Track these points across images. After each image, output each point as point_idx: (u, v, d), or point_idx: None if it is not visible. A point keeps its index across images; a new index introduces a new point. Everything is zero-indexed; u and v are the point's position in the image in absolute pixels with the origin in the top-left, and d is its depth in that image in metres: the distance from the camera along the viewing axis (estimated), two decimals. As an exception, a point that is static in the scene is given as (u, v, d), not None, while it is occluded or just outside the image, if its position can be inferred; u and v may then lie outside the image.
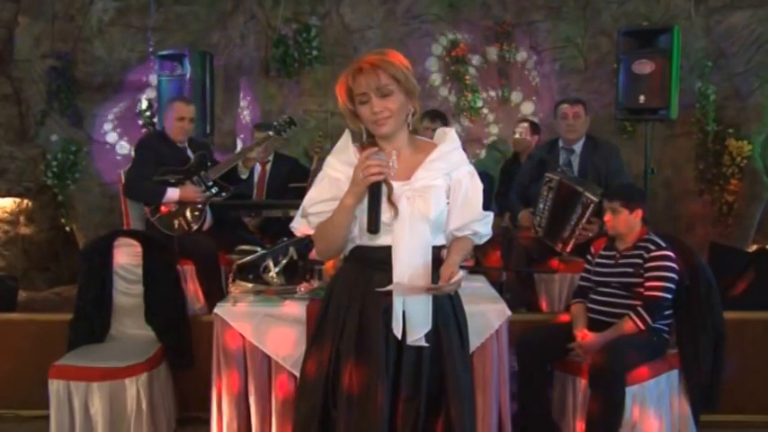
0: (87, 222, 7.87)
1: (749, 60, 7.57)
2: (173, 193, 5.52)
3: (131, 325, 4.93)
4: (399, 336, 2.66)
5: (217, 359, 4.05)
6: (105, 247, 4.97)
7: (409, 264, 2.64)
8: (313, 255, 4.43)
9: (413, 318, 2.67)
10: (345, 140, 2.82)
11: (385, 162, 2.61)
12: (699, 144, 7.57)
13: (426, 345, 2.68)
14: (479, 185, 2.85)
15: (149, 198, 5.57)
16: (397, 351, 2.70)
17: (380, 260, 2.68)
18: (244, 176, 5.91)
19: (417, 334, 2.66)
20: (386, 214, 2.65)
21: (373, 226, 2.60)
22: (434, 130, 2.92)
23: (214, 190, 5.66)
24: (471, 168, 2.85)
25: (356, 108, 2.70)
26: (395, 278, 2.63)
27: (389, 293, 2.65)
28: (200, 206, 5.61)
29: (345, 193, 2.64)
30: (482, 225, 2.84)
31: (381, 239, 2.68)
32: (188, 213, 5.59)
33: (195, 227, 5.59)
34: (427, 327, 2.68)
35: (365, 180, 2.57)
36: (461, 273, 2.70)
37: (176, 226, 5.53)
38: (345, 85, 2.69)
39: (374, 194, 2.60)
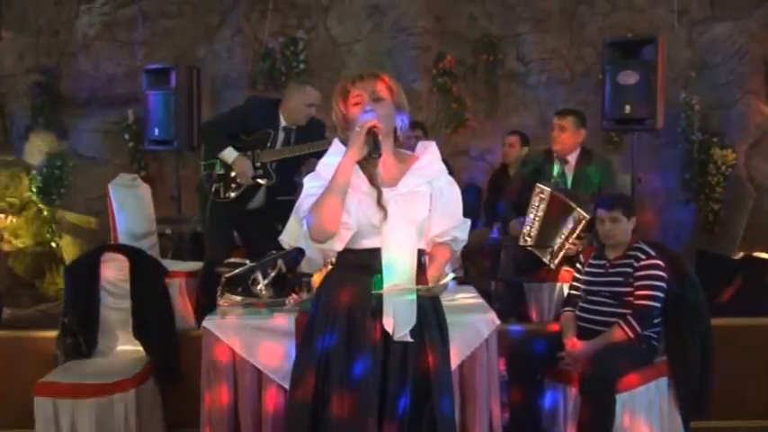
0: (73, 238, 7.82)
1: (731, 71, 7.64)
2: (229, 154, 5.34)
3: (119, 341, 4.88)
4: (390, 332, 2.77)
5: (206, 373, 4.01)
6: (92, 262, 4.92)
7: (397, 264, 2.78)
8: (302, 267, 4.43)
9: (399, 316, 2.78)
10: (339, 146, 2.91)
11: (379, 119, 2.77)
12: (684, 153, 7.60)
13: (411, 340, 2.79)
14: (458, 194, 3.02)
15: (211, 145, 5.49)
16: (384, 351, 2.80)
17: (367, 264, 2.83)
18: (298, 179, 5.70)
19: (403, 330, 2.77)
20: (375, 217, 2.79)
21: (376, 150, 2.74)
22: (416, 138, 3.06)
23: (259, 172, 5.45)
24: (451, 179, 3.02)
25: (348, 111, 2.87)
26: (384, 279, 2.76)
27: (376, 296, 2.77)
28: (239, 181, 5.44)
29: (345, 152, 2.77)
30: (461, 231, 2.99)
31: (369, 242, 2.82)
32: (227, 182, 5.46)
33: (230, 196, 5.45)
34: (412, 323, 2.79)
35: (364, 127, 2.72)
36: (449, 276, 2.84)
37: (212, 189, 5.45)
38: (344, 88, 2.89)
39: (372, 135, 2.75)
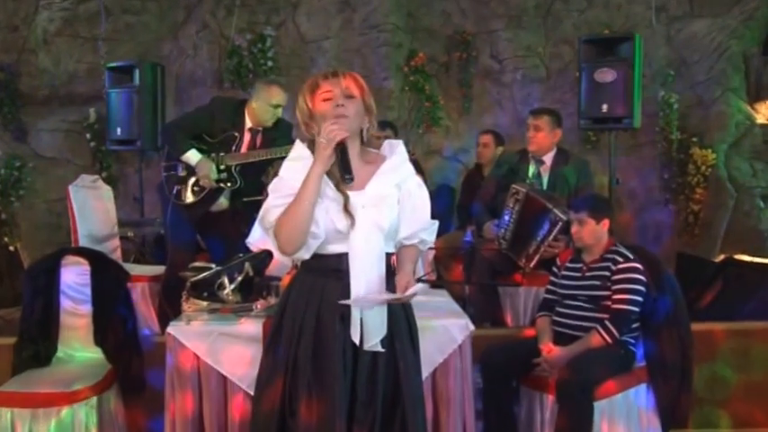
0: (32, 241, 7.76)
1: (711, 69, 7.68)
2: (192, 156, 5.30)
3: (80, 347, 4.81)
4: (358, 342, 2.80)
5: (170, 381, 3.97)
6: (52, 266, 4.86)
7: (365, 272, 2.81)
8: (269, 271, 4.40)
9: (369, 324, 2.81)
10: (301, 149, 2.93)
11: (346, 125, 2.79)
12: (663, 153, 7.65)
13: (382, 350, 2.83)
14: (426, 195, 3.05)
15: (173, 147, 5.43)
16: (353, 357, 2.83)
17: (335, 268, 2.85)
18: (264, 180, 5.65)
19: (374, 339, 2.81)
20: (342, 223, 2.81)
21: (348, 174, 2.78)
22: (385, 138, 3.07)
23: (223, 175, 5.38)
24: (419, 180, 3.07)
25: (315, 106, 2.87)
26: (352, 287, 2.78)
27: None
28: (201, 184, 5.39)
29: (312, 164, 2.77)
30: (428, 233, 3.04)
31: (336, 247, 2.84)
32: (189, 185, 5.40)
33: (189, 200, 5.41)
34: (383, 332, 2.83)
35: (331, 141, 2.74)
36: (419, 285, 2.88)
37: (174, 190, 5.40)
38: (315, 82, 2.90)
39: (341, 152, 2.78)
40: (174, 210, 5.41)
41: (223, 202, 5.52)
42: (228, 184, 5.41)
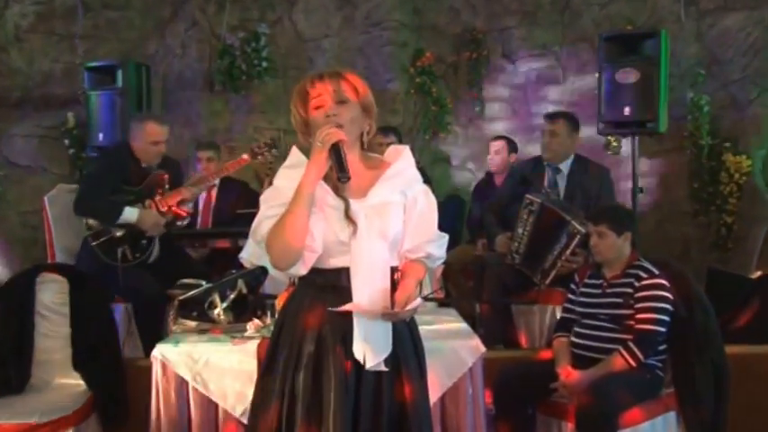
0: (4, 257, 7.77)
1: (746, 67, 7.66)
2: (130, 215, 5.37)
3: (56, 373, 4.82)
4: (361, 360, 2.77)
5: (156, 409, 4.00)
6: (26, 284, 4.88)
7: (368, 284, 2.78)
8: (264, 288, 4.42)
9: (373, 342, 2.78)
10: (297, 156, 2.92)
11: (342, 131, 2.75)
12: (692, 160, 7.63)
13: (386, 369, 2.80)
14: (434, 205, 3.00)
15: (103, 216, 5.44)
16: (356, 381, 2.80)
17: (335, 284, 2.82)
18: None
19: (377, 358, 2.78)
20: (344, 232, 2.78)
21: (343, 173, 2.71)
22: (389, 145, 3.06)
23: (169, 217, 5.52)
24: (426, 187, 3.01)
25: (309, 115, 2.85)
26: (354, 299, 2.75)
27: (347, 319, 2.76)
28: (149, 235, 5.50)
29: (305, 171, 2.74)
30: (436, 247, 2.99)
31: (337, 260, 2.82)
32: (135, 242, 5.47)
33: (141, 258, 5.49)
34: (387, 351, 2.80)
35: (326, 144, 2.70)
36: (419, 300, 2.84)
37: (119, 255, 5.41)
38: (303, 89, 2.86)
39: (336, 152, 2.72)
40: (126, 272, 5.43)
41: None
42: (180, 222, 5.64)
